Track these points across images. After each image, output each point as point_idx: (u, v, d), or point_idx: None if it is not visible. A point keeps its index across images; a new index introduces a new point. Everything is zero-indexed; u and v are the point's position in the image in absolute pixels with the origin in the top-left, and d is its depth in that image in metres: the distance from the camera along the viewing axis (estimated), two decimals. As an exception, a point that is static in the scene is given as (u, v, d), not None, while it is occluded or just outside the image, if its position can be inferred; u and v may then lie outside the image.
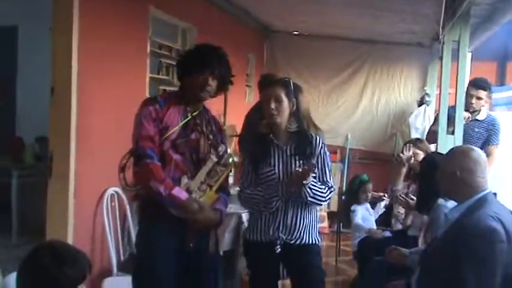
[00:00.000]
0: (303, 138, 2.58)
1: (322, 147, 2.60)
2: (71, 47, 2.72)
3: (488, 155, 4.34)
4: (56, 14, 2.77)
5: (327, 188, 2.58)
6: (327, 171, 2.61)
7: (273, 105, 2.50)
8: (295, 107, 2.57)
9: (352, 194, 4.24)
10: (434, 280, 2.20)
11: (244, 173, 2.62)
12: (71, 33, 2.73)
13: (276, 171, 2.53)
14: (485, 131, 4.36)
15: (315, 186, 2.51)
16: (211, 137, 2.49)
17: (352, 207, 4.17)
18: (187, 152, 2.39)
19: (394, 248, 3.01)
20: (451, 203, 2.76)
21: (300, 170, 2.43)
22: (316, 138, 2.60)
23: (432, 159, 3.10)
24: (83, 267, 1.58)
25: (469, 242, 2.03)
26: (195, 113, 2.45)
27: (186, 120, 2.41)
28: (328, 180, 2.61)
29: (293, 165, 2.52)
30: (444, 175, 2.32)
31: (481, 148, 4.29)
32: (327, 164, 2.62)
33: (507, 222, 2.04)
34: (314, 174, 2.52)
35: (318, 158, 2.58)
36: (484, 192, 2.21)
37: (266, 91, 2.57)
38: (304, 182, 2.43)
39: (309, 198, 2.51)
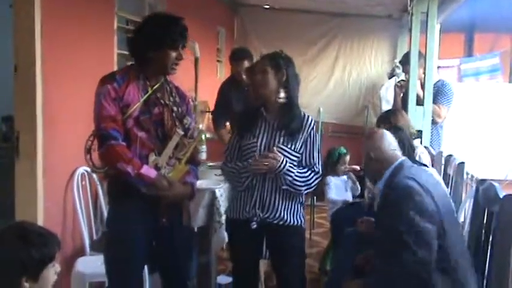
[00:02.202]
0: (289, 111, 2.49)
1: (312, 127, 2.51)
2: (33, 23, 2.63)
3: (433, 114, 4.41)
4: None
5: (312, 174, 2.51)
6: (315, 154, 2.53)
7: (258, 77, 2.48)
8: (284, 78, 2.49)
9: (331, 167, 4.23)
10: (383, 254, 2.26)
11: (230, 146, 2.60)
12: (32, 9, 2.63)
13: (258, 144, 2.48)
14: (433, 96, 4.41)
15: (290, 172, 2.44)
16: (175, 109, 2.42)
17: (327, 180, 4.20)
18: (152, 128, 2.34)
19: (366, 219, 3.07)
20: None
21: (257, 157, 2.39)
22: (307, 117, 2.53)
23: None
24: (52, 247, 1.56)
25: (394, 204, 2.18)
26: (155, 86, 2.39)
27: (147, 95, 2.35)
28: (316, 164, 2.52)
29: (277, 140, 2.47)
30: (365, 162, 2.50)
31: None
32: (316, 146, 2.53)
33: (422, 180, 2.21)
34: (296, 159, 2.48)
35: (306, 138, 2.50)
36: (398, 161, 2.36)
37: (254, 64, 2.58)
38: (275, 169, 2.39)
39: (284, 186, 2.45)
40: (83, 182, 3.02)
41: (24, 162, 2.67)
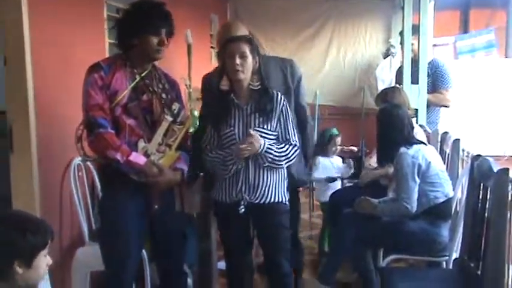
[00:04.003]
0: (263, 95, 2.52)
1: (283, 104, 2.55)
2: (21, 15, 2.60)
3: (441, 101, 4.44)
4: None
5: (290, 147, 2.54)
6: (290, 129, 2.57)
7: (237, 61, 2.43)
8: (257, 64, 2.52)
9: (321, 147, 4.26)
10: None
11: (207, 136, 2.60)
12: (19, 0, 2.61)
13: (236, 131, 2.50)
14: (427, 77, 4.40)
15: (271, 150, 2.48)
16: (164, 95, 2.43)
17: (316, 160, 4.21)
18: (140, 115, 2.35)
19: (364, 199, 3.08)
20: (414, 150, 2.84)
21: (239, 145, 2.41)
22: (277, 95, 2.55)
23: (387, 110, 3.12)
24: (45, 234, 1.58)
25: None
26: (143, 74, 2.39)
27: (135, 82, 2.35)
28: (292, 137, 2.57)
29: (252, 124, 2.49)
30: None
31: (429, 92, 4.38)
32: (289, 121, 2.57)
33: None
34: (273, 137, 2.51)
35: (279, 115, 2.53)
36: None
37: (230, 47, 2.48)
38: (255, 150, 2.41)
39: (266, 164, 2.49)
40: (79, 172, 3.03)
41: (19, 156, 2.67)
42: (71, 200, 2.94)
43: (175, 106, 2.46)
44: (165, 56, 2.46)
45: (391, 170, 3.50)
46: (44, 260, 1.59)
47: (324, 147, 4.27)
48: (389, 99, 3.59)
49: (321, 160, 4.24)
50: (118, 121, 2.32)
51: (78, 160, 3.01)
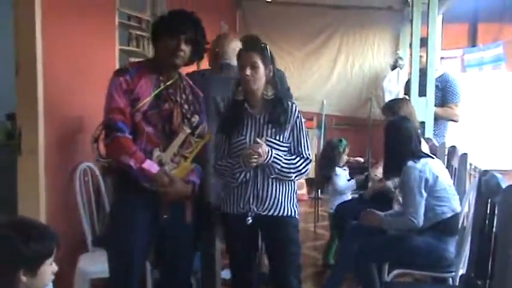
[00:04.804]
0: (277, 106, 2.48)
1: (298, 115, 2.50)
2: (34, 20, 2.63)
3: (450, 116, 4.44)
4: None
5: (301, 160, 2.49)
6: (303, 141, 2.51)
7: (248, 72, 2.41)
8: (271, 73, 2.49)
9: (336, 158, 4.20)
10: None
11: (218, 144, 2.57)
12: (33, 7, 2.63)
13: (247, 140, 2.45)
14: (438, 90, 4.39)
15: (278, 161, 2.43)
16: (186, 106, 2.42)
17: (337, 171, 4.17)
18: (159, 123, 2.34)
19: (369, 211, 3.07)
20: (421, 164, 2.83)
21: (248, 151, 2.37)
22: (291, 106, 2.51)
23: (395, 122, 3.11)
24: (51, 242, 1.57)
25: None
26: (168, 83, 2.39)
27: (158, 90, 2.35)
28: (304, 150, 2.50)
29: (265, 134, 2.45)
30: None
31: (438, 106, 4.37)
32: (303, 133, 2.52)
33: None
34: (285, 149, 2.48)
35: (293, 127, 2.49)
36: None
37: (242, 57, 2.46)
38: (262, 160, 2.37)
39: (274, 175, 2.44)
40: (86, 178, 3.03)
41: (27, 159, 2.68)
42: (76, 205, 2.95)
43: (195, 118, 2.44)
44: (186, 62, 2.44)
45: (389, 183, 3.50)
46: (50, 268, 1.57)
47: (334, 157, 4.22)
48: (396, 110, 3.58)
49: (341, 172, 4.21)
50: (137, 127, 2.31)
51: (84, 165, 3.02)
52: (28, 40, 2.64)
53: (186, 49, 2.36)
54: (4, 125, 5.00)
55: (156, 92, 2.34)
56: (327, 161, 4.09)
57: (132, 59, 3.96)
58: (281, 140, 2.47)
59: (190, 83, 2.54)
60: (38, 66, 2.64)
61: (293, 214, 2.52)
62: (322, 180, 4.40)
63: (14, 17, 2.68)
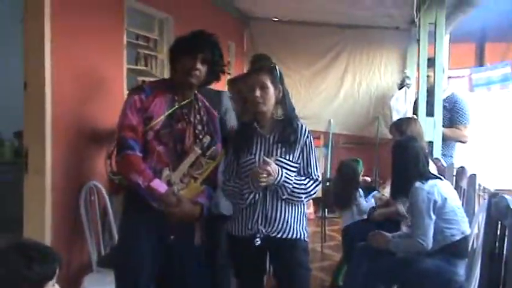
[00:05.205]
0: (287, 126, 2.46)
1: (307, 136, 2.48)
2: (43, 40, 2.65)
3: (458, 137, 4.40)
4: (27, 5, 2.69)
5: (311, 182, 2.46)
6: (312, 162, 2.49)
7: (258, 93, 2.39)
8: (281, 94, 2.48)
9: (358, 179, 4.12)
10: None
11: (227, 164, 2.54)
12: (42, 26, 2.65)
13: (256, 160, 2.42)
14: (446, 111, 4.37)
15: (289, 181, 2.40)
16: (199, 127, 2.42)
17: (361, 192, 4.10)
18: (171, 142, 2.35)
19: (377, 233, 3.04)
20: (429, 185, 2.80)
21: (258, 169, 2.34)
22: (301, 126, 2.49)
23: (402, 143, 3.09)
24: (53, 264, 1.57)
25: None
26: (183, 103, 2.40)
27: (172, 109, 2.36)
28: (314, 172, 2.48)
29: (274, 154, 2.42)
30: None
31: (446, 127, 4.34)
32: (313, 154, 2.50)
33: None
34: (295, 169, 2.45)
35: (303, 147, 2.46)
36: None
37: (251, 79, 2.46)
38: (271, 179, 2.33)
39: (285, 196, 2.41)
40: (92, 197, 3.02)
41: (33, 177, 2.68)
42: (82, 225, 2.93)
43: (206, 139, 2.43)
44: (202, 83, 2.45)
45: (400, 207, 3.44)
46: None
47: (356, 179, 4.07)
48: (404, 129, 3.56)
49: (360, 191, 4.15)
50: (148, 146, 2.32)
51: (91, 184, 3.01)
52: (37, 59, 2.66)
53: (202, 69, 2.37)
54: (12, 143, 5.04)
55: (170, 111, 2.36)
56: (349, 183, 3.99)
57: (141, 78, 3.99)
58: (291, 159, 2.44)
59: (207, 104, 2.55)
60: (46, 85, 2.65)
61: (302, 237, 2.49)
62: (340, 201, 4.23)
63: (23, 35, 2.70)
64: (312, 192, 2.48)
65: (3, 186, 4.48)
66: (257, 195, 2.42)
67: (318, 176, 2.51)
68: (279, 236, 2.42)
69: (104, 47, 3.29)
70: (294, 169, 2.45)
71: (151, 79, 3.87)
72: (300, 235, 2.47)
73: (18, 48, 2.75)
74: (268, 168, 2.33)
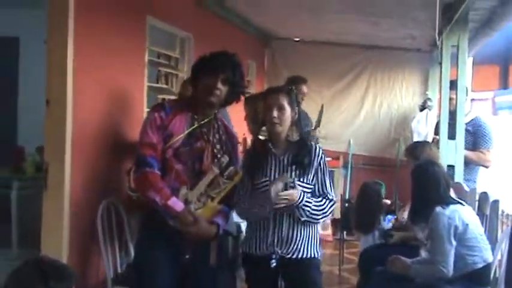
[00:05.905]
0: (302, 148, 2.47)
1: (321, 157, 2.49)
2: (65, 58, 2.70)
3: (481, 161, 4.31)
4: (51, 25, 2.75)
5: (327, 202, 2.47)
6: (327, 183, 2.50)
7: (275, 114, 2.41)
8: (296, 116, 2.50)
9: (382, 203, 4.05)
10: None
11: (242, 184, 2.54)
12: (65, 44, 2.70)
13: (271, 181, 2.42)
14: (469, 134, 4.29)
15: (309, 204, 2.40)
16: (218, 146, 2.44)
17: (387, 216, 4.03)
18: (189, 161, 2.36)
19: (397, 258, 2.97)
20: (450, 210, 2.74)
21: (271, 192, 2.31)
22: (315, 147, 2.51)
23: (422, 167, 3.03)
24: (68, 282, 1.57)
25: None
26: (203, 122, 2.41)
27: (192, 128, 2.38)
28: (329, 192, 2.49)
29: (288, 175, 2.43)
30: None
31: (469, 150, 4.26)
32: (327, 174, 2.51)
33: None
34: (310, 190, 2.44)
35: (317, 169, 2.47)
36: None
37: (269, 99, 2.48)
38: (291, 202, 2.33)
39: (303, 218, 2.40)
40: (109, 214, 3.03)
41: (52, 194, 2.71)
42: (99, 242, 2.94)
43: (225, 159, 2.43)
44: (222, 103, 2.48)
45: (419, 233, 3.37)
46: None
47: (380, 203, 4.03)
48: (418, 154, 3.51)
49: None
50: (167, 163, 2.34)
51: (108, 201, 3.02)
52: (59, 77, 2.71)
53: (222, 88, 2.39)
54: (33, 158, 5.11)
55: (190, 129, 2.37)
56: (373, 206, 3.93)
57: (161, 96, 4.02)
58: (305, 181, 2.45)
59: (226, 123, 2.57)
60: (67, 102, 2.70)
61: (316, 255, 2.50)
62: (363, 225, 4.15)
63: (46, 53, 2.76)
64: (327, 213, 2.49)
65: (25, 201, 4.54)
66: (271, 214, 2.41)
67: (333, 196, 2.52)
68: (294, 256, 2.43)
69: (125, 66, 3.33)
70: (309, 190, 2.46)
71: (172, 97, 3.91)
72: (314, 254, 2.48)
73: (44, 63, 2.80)
74: (293, 197, 2.34)
